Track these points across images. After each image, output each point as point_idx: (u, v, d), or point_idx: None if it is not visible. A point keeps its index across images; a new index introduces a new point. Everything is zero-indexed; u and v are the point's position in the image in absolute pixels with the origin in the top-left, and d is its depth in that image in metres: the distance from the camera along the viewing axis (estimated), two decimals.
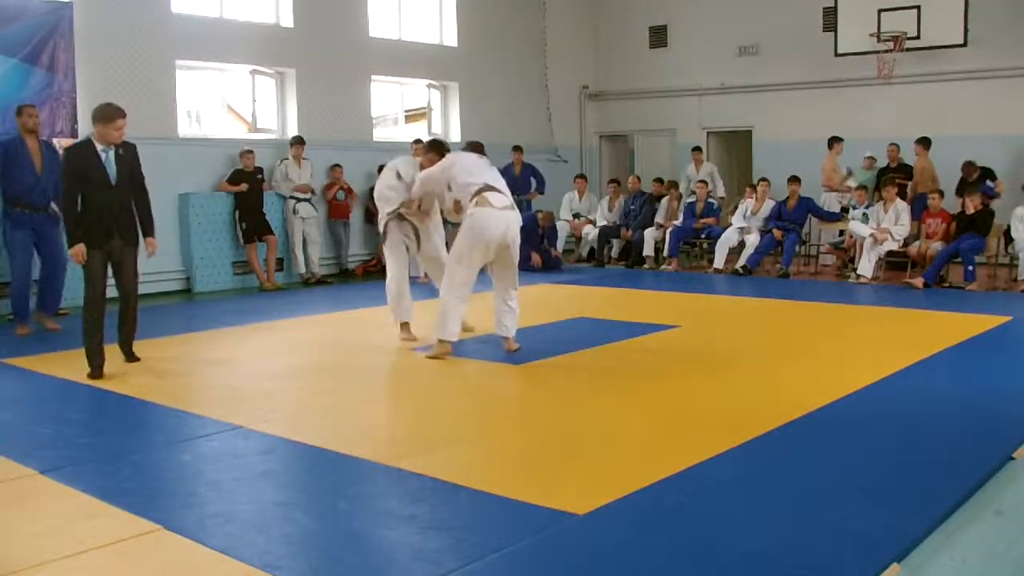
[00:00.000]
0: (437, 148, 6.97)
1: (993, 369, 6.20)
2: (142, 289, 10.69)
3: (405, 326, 7.16)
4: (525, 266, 12.14)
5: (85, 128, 9.59)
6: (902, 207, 10.83)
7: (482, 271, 6.67)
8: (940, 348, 6.67)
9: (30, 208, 7.82)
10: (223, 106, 11.91)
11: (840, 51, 12.54)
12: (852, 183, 11.87)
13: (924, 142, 11.62)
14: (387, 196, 7.04)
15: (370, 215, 10.82)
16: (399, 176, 7.04)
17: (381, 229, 7.17)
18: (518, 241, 6.55)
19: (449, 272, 6.60)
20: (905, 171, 11.77)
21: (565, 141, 15.52)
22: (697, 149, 13.78)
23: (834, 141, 12.24)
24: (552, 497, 3.69)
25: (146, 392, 5.60)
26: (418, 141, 11.17)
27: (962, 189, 11.03)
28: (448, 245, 7.17)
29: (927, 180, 11.48)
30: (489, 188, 6.46)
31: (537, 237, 12.32)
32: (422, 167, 6.95)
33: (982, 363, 6.39)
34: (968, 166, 11.22)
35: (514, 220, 6.50)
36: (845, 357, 6.51)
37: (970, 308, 8.54)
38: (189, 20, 10.61)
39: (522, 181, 13.27)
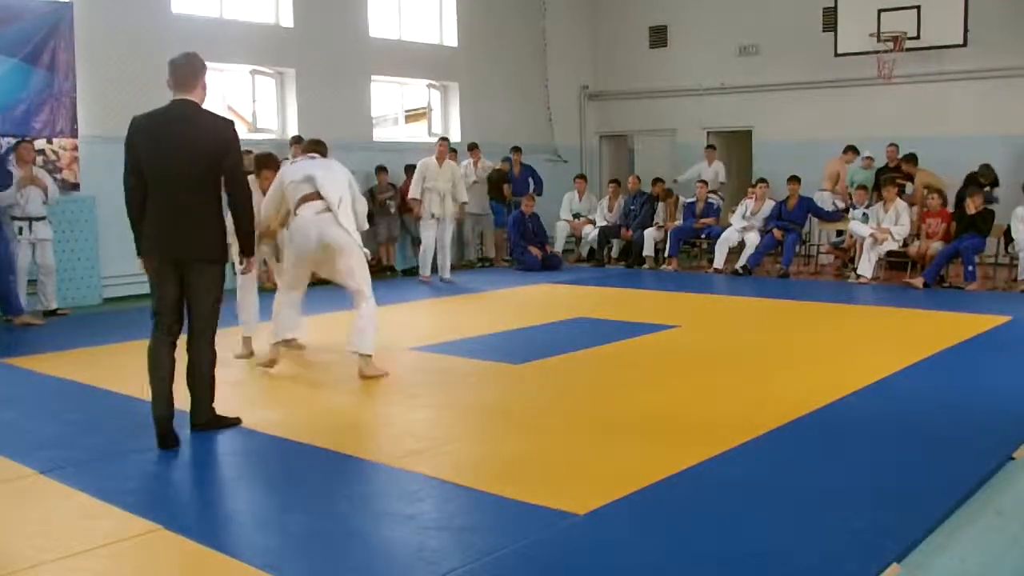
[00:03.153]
0: (272, 164, 6.74)
1: (993, 369, 6.20)
2: (142, 289, 10.75)
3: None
4: (526, 261, 12.18)
5: (85, 128, 9.61)
6: (902, 207, 10.82)
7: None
8: (940, 348, 6.67)
9: None
10: (223, 106, 11.91)
11: (840, 51, 12.53)
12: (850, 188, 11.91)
13: (911, 158, 11.65)
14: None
15: (369, 215, 10.87)
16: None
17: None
18: (342, 246, 5.99)
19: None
20: (905, 171, 11.76)
21: (565, 141, 15.51)
22: (711, 147, 13.72)
23: (849, 149, 12.26)
24: (552, 497, 3.69)
25: (146, 392, 5.58)
26: (443, 139, 11.32)
27: (967, 185, 10.96)
28: None
29: (931, 188, 11.43)
30: (308, 198, 5.99)
31: (529, 232, 12.32)
32: (263, 188, 6.52)
33: (982, 363, 6.39)
34: (986, 169, 11.10)
35: (328, 223, 5.95)
36: (845, 357, 6.51)
37: (970, 308, 8.54)
38: (189, 20, 10.60)
39: (520, 182, 13.29)
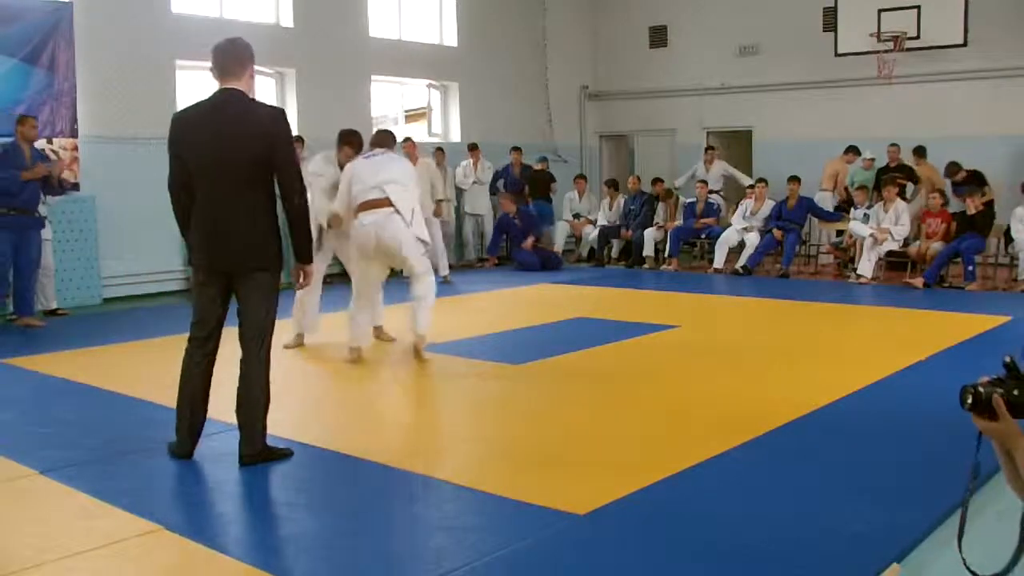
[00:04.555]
0: (356, 142, 6.73)
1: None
2: (142, 289, 10.80)
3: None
4: (526, 261, 12.15)
5: (85, 128, 9.61)
6: (902, 207, 10.83)
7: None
8: (940, 348, 6.67)
9: (14, 211, 7.94)
10: None
11: (840, 51, 12.53)
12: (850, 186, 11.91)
13: (920, 151, 11.66)
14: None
15: None
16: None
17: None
18: (403, 243, 6.12)
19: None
20: (905, 171, 11.76)
21: (565, 141, 15.51)
22: (710, 148, 13.67)
23: (850, 150, 12.27)
24: (552, 497, 3.69)
25: (146, 392, 5.59)
26: (408, 139, 11.27)
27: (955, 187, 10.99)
28: None
29: (934, 187, 11.44)
30: (376, 204, 6.06)
31: (517, 231, 12.32)
32: (341, 164, 6.55)
33: (982, 363, 6.35)
34: (952, 166, 11.15)
35: (387, 223, 6.06)
36: (845, 357, 6.51)
37: (970, 308, 8.54)
38: (189, 20, 10.60)
39: (519, 183, 13.28)
